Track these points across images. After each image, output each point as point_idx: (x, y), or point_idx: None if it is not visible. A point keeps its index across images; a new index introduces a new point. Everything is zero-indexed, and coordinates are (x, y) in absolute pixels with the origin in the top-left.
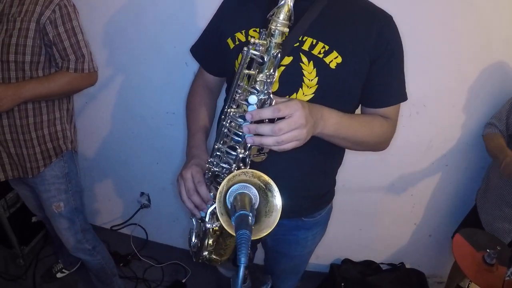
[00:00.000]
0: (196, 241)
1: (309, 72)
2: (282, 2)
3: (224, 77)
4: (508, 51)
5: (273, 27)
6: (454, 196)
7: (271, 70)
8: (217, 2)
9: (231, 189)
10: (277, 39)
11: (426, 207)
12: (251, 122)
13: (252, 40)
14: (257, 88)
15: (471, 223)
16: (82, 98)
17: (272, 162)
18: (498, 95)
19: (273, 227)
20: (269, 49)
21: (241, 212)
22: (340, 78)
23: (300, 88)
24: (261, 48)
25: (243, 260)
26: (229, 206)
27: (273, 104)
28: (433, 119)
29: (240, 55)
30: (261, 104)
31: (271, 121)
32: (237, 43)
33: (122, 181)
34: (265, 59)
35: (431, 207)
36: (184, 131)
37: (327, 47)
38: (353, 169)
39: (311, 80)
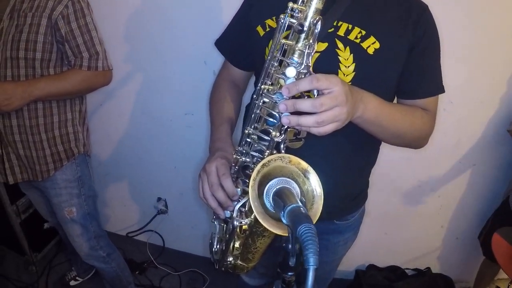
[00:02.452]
0: (218, 247)
1: (346, 58)
2: None
3: (251, 71)
4: None
5: None
6: (482, 197)
7: (311, 40)
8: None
9: (268, 184)
10: (317, 4)
11: (453, 209)
12: (288, 98)
13: (290, 5)
14: (296, 59)
15: (503, 219)
16: (97, 98)
17: (301, 154)
18: None
19: (316, 219)
20: (308, 15)
21: (292, 205)
22: (379, 65)
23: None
24: (299, 15)
25: (312, 260)
26: (269, 205)
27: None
28: (460, 116)
29: (271, 42)
30: None
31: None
32: (267, 29)
33: (138, 186)
34: (305, 27)
35: (459, 209)
36: (204, 133)
37: (364, 32)
38: (379, 170)
39: (348, 67)
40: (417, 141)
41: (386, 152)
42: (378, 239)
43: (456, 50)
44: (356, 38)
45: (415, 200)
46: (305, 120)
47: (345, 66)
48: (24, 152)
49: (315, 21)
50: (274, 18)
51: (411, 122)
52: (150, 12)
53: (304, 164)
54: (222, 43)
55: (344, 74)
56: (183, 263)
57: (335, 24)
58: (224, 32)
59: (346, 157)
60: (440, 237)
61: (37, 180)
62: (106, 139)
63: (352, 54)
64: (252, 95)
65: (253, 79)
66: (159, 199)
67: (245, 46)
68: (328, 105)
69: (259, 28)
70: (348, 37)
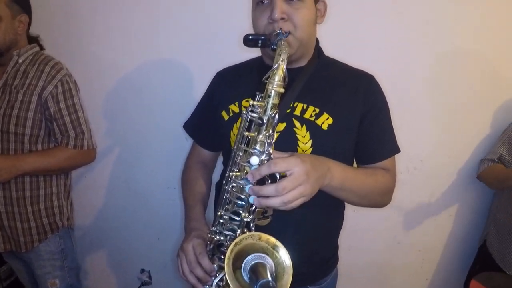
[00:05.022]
0: None
1: (303, 135)
2: (276, 65)
3: (219, 151)
4: (497, 97)
5: (269, 88)
6: (463, 245)
7: (270, 131)
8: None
9: (245, 260)
10: (274, 100)
11: (436, 261)
12: (254, 183)
13: (250, 102)
14: (258, 149)
15: (482, 266)
16: (81, 170)
17: (273, 227)
18: (493, 139)
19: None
20: (267, 110)
21: (264, 280)
22: (333, 138)
23: (295, 153)
24: (259, 110)
25: None
26: (246, 278)
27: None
28: (431, 172)
29: (235, 126)
30: None
31: (274, 179)
32: (231, 114)
33: (121, 257)
34: (264, 120)
35: (442, 260)
36: None
37: (317, 110)
38: (358, 231)
39: (305, 143)
40: (381, 200)
41: (364, 213)
42: None
43: (418, 112)
44: (311, 116)
45: (397, 257)
46: (272, 201)
47: (303, 143)
48: (8, 223)
49: (273, 115)
50: (236, 103)
51: (374, 182)
52: (134, 87)
53: (272, 240)
54: (190, 126)
55: (303, 150)
56: None
57: (291, 105)
58: (192, 116)
59: (314, 225)
60: None
61: (20, 251)
62: (90, 210)
63: (308, 132)
64: (221, 175)
65: (221, 157)
66: (142, 270)
67: (211, 129)
68: (290, 187)
69: (224, 113)
70: (303, 116)
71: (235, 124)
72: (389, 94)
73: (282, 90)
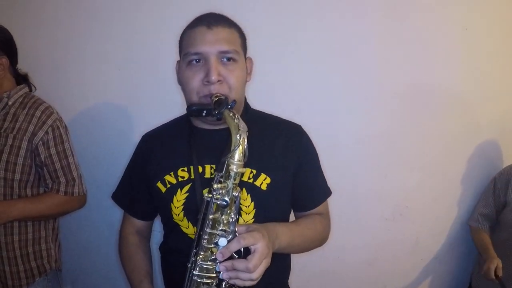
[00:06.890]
0: None
1: (244, 199)
2: (236, 147)
3: (154, 219)
4: (475, 138)
5: (231, 168)
6: (450, 285)
7: (233, 209)
8: None
9: None
10: (235, 180)
11: None
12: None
13: (215, 185)
14: (224, 229)
15: None
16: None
17: None
18: (476, 183)
19: None
20: (230, 191)
21: None
22: (274, 197)
23: (240, 216)
24: (221, 191)
25: None
26: None
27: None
28: (417, 217)
29: (175, 198)
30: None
31: (238, 251)
32: (168, 186)
33: None
34: (228, 201)
35: None
36: None
37: (254, 171)
38: (343, 277)
39: (248, 206)
40: (320, 243)
41: (349, 258)
42: None
43: (403, 157)
44: (249, 178)
45: None
46: (243, 276)
47: (246, 206)
48: None
49: (236, 194)
50: (172, 173)
51: (314, 231)
52: (123, 134)
53: None
54: (119, 197)
55: (246, 213)
56: None
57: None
58: (121, 186)
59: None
60: None
61: None
62: (76, 249)
63: (249, 194)
64: (164, 239)
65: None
66: None
67: (145, 200)
68: (259, 263)
69: (160, 185)
70: (242, 179)
71: (175, 196)
72: (369, 145)
73: (244, 170)
